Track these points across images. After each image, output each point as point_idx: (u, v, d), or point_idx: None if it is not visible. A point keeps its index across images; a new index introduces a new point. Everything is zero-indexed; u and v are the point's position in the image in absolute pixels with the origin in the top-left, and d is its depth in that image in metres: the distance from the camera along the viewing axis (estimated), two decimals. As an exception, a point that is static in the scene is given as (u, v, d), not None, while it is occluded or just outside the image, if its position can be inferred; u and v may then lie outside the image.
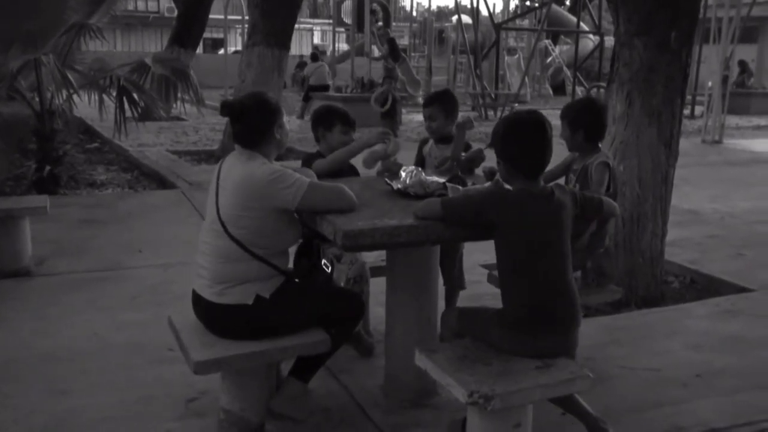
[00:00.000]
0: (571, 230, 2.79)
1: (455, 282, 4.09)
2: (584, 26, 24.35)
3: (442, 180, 3.24)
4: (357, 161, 3.88)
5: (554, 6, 23.50)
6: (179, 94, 8.79)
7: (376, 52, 19.13)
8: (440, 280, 3.83)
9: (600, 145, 3.68)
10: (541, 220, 2.70)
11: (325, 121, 3.83)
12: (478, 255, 4.61)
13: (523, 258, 2.69)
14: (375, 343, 3.83)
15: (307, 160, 3.72)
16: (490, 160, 3.19)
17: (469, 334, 2.85)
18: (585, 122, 3.55)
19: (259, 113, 2.97)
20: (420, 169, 3.33)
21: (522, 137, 2.75)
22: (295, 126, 3.70)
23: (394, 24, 25.57)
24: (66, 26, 8.14)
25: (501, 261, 2.76)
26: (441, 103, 4.02)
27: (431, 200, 2.85)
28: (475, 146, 4.02)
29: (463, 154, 3.76)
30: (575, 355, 2.84)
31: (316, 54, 18.79)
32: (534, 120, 2.76)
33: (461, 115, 4.10)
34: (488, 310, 2.86)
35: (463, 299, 4.16)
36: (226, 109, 2.97)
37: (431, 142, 4.13)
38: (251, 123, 2.96)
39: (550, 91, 25.83)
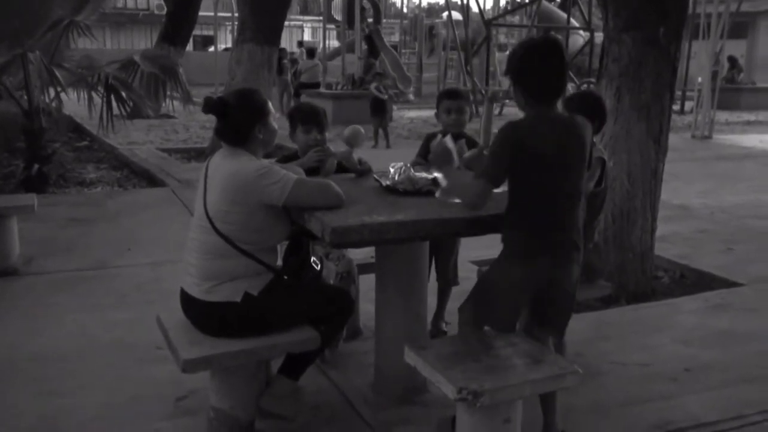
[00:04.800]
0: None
1: (449, 278, 4.09)
2: (574, 22, 24.36)
3: (431, 176, 3.22)
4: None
5: (544, 2, 23.51)
6: (168, 92, 8.75)
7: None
8: (432, 277, 3.84)
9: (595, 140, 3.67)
10: (552, 144, 2.65)
11: (290, 123, 3.80)
12: (469, 251, 4.60)
13: (530, 183, 2.67)
14: (365, 340, 3.82)
15: (283, 160, 3.65)
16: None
17: (483, 309, 2.84)
18: (596, 114, 3.52)
19: (241, 112, 2.96)
20: (409, 165, 3.32)
21: (538, 63, 2.69)
22: (284, 123, 3.66)
23: (384, 21, 25.54)
24: (51, 21, 8.08)
25: (510, 190, 2.74)
26: (466, 99, 4.04)
27: (466, 185, 2.77)
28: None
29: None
30: (573, 287, 2.86)
31: (313, 51, 18.70)
32: (550, 45, 2.74)
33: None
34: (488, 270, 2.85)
35: (454, 296, 4.16)
36: (207, 106, 2.96)
37: (440, 136, 4.04)
38: (232, 121, 2.95)
39: (541, 88, 25.83)
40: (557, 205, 2.71)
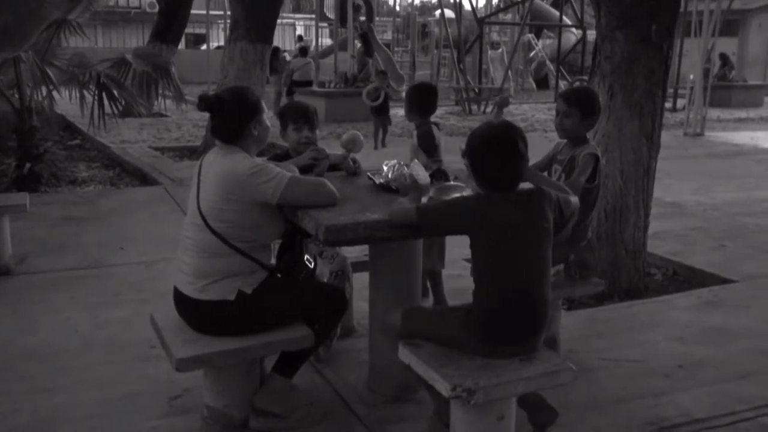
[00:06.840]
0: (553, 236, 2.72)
1: (435, 261, 4.11)
2: (567, 20, 24.41)
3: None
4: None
5: (537, 0, 23.53)
6: (160, 90, 8.73)
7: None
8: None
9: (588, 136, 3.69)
10: (514, 228, 2.60)
11: (280, 122, 3.81)
12: (461, 249, 4.59)
13: (492, 265, 2.63)
14: (359, 337, 3.82)
15: (275, 158, 3.64)
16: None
17: (418, 335, 2.75)
18: (596, 110, 3.57)
19: (237, 109, 2.95)
20: (402, 163, 3.32)
21: (496, 154, 2.63)
22: (276, 121, 3.65)
23: (377, 19, 25.51)
24: (46, 23, 8.05)
25: (473, 265, 2.71)
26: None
27: (405, 207, 2.75)
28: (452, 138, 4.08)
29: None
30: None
31: (306, 49, 18.67)
32: (507, 135, 2.65)
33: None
34: (440, 311, 2.77)
35: (447, 293, 4.16)
36: (203, 103, 2.95)
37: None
38: (228, 118, 2.95)
39: (534, 85, 25.88)
40: (514, 290, 2.61)
